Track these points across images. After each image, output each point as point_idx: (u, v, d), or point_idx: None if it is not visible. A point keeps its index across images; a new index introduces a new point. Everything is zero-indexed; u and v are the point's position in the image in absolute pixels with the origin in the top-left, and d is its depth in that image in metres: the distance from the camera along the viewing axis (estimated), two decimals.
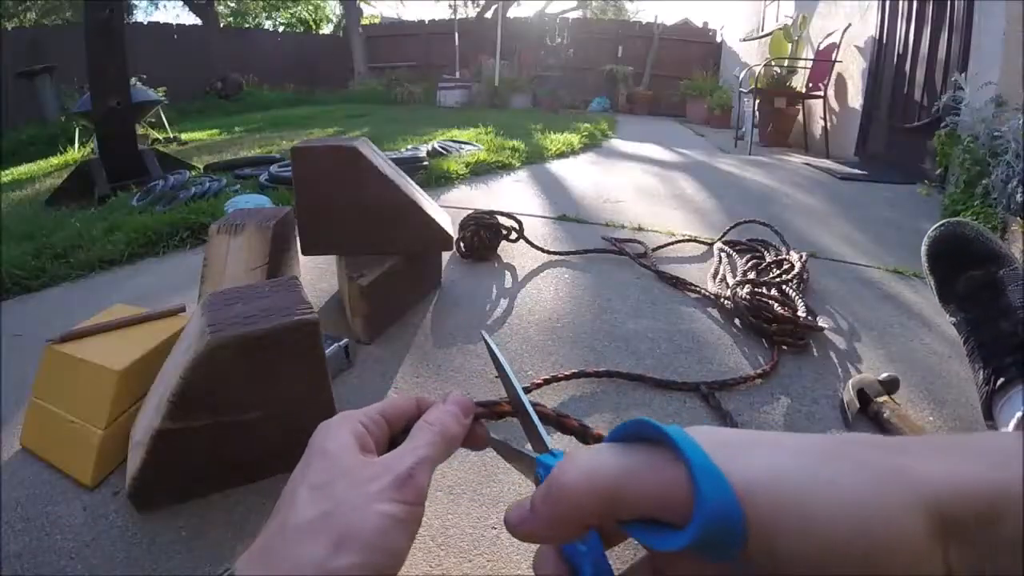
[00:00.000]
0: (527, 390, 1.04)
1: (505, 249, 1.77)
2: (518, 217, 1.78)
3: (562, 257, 1.74)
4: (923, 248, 1.10)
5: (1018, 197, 2.06)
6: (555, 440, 0.36)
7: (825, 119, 5.02)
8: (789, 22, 6.04)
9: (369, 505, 0.30)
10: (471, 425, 0.39)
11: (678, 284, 1.53)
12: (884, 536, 0.20)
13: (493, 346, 0.42)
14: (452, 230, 1.42)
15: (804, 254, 1.61)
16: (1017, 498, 0.20)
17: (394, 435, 0.38)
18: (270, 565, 0.29)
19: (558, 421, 0.41)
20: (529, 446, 0.38)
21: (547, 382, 1.06)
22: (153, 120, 6.38)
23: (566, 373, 1.08)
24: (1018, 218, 1.97)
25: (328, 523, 0.30)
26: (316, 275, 1.60)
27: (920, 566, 0.20)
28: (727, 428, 0.27)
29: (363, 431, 0.36)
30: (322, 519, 0.30)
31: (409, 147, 3.56)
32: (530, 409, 0.38)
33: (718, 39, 10.42)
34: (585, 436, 0.41)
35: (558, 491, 0.26)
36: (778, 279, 1.44)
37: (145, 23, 12.42)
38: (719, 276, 1.55)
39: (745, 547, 0.21)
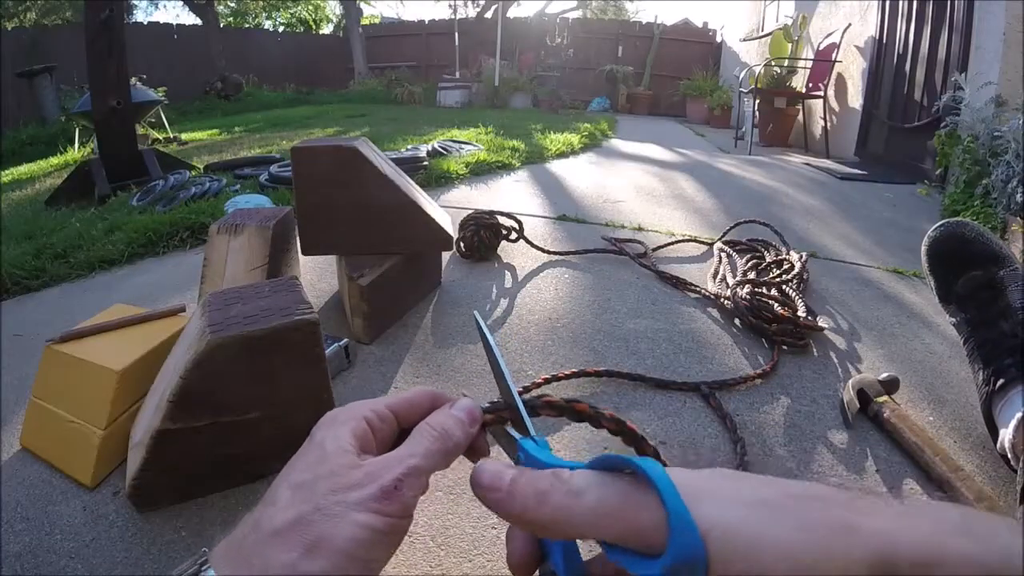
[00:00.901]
0: (527, 389, 1.04)
1: (505, 249, 1.77)
2: (518, 217, 1.78)
3: (562, 257, 1.74)
4: (923, 248, 1.10)
5: (1018, 197, 2.06)
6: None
7: (825, 119, 5.03)
8: (789, 22, 6.05)
9: (347, 514, 0.30)
10: (476, 434, 0.38)
11: (678, 284, 1.53)
12: None
13: (485, 328, 0.42)
14: (452, 230, 1.42)
15: (804, 254, 1.61)
16: (952, 558, 0.22)
17: (404, 430, 0.38)
18: (241, 562, 0.30)
19: (571, 408, 0.41)
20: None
21: (547, 381, 1.06)
22: (153, 120, 6.38)
23: (566, 372, 1.08)
24: (1018, 218, 1.97)
25: (302, 528, 0.29)
26: (316, 275, 1.60)
27: None
28: (701, 473, 0.28)
29: (366, 428, 0.36)
30: (296, 522, 0.30)
31: (409, 147, 3.56)
32: (515, 394, 0.38)
33: (718, 39, 10.44)
34: (599, 420, 0.41)
35: (548, 506, 0.28)
36: (778, 279, 1.44)
37: (145, 23, 12.43)
38: (719, 276, 1.55)
39: None
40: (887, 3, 4.23)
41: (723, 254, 1.65)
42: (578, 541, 0.31)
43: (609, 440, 0.92)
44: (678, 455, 0.91)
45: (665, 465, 0.42)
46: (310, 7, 19.06)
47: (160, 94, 6.08)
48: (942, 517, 0.24)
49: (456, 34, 10.63)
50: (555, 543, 0.31)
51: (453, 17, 11.67)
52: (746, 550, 0.23)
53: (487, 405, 0.39)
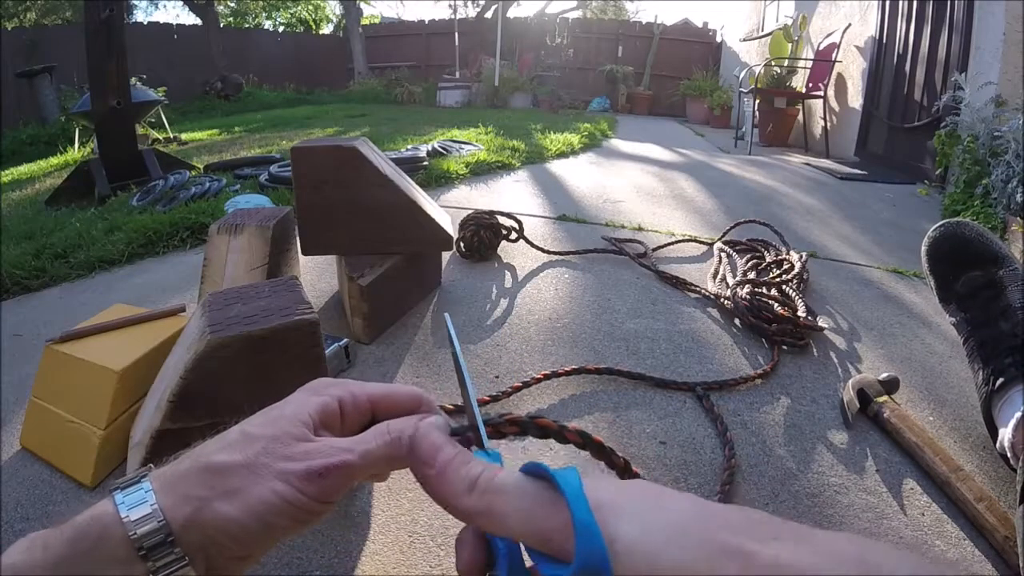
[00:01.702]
0: (527, 384, 1.04)
1: (505, 249, 1.77)
2: (518, 217, 1.78)
3: (562, 257, 1.74)
4: (923, 248, 1.10)
5: (1018, 197, 2.06)
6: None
7: (825, 119, 5.03)
8: (789, 22, 6.05)
9: (269, 478, 0.32)
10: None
11: (678, 284, 1.53)
12: None
13: (453, 334, 0.41)
14: (452, 230, 1.42)
15: (804, 254, 1.61)
16: None
17: (380, 421, 0.38)
18: (169, 483, 0.32)
19: (533, 425, 0.41)
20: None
21: (547, 377, 1.06)
22: (153, 120, 6.37)
23: (566, 369, 1.08)
24: (1018, 218, 1.97)
25: (227, 473, 0.32)
26: (316, 275, 1.60)
27: None
28: (622, 485, 0.29)
29: (335, 409, 0.37)
30: (225, 467, 0.32)
31: (409, 147, 3.56)
32: (475, 407, 0.38)
33: (718, 39, 10.44)
34: (563, 435, 0.41)
35: (474, 496, 0.30)
36: (778, 279, 1.44)
37: (145, 23, 12.43)
38: (719, 276, 1.55)
39: None
40: (887, 3, 4.23)
41: (723, 254, 1.65)
42: (523, 550, 0.31)
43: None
44: (676, 455, 0.91)
45: (636, 475, 0.42)
46: (310, 7, 19.05)
47: (160, 94, 6.07)
48: (839, 550, 0.24)
49: (456, 34, 10.64)
50: (501, 550, 0.32)
51: (453, 17, 11.67)
52: (646, 566, 0.24)
53: (456, 427, 0.39)
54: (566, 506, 0.27)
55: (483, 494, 0.29)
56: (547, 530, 0.27)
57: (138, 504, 0.31)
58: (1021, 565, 0.67)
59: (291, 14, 19.15)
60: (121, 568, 0.30)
